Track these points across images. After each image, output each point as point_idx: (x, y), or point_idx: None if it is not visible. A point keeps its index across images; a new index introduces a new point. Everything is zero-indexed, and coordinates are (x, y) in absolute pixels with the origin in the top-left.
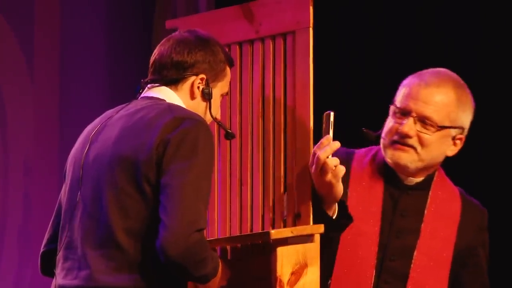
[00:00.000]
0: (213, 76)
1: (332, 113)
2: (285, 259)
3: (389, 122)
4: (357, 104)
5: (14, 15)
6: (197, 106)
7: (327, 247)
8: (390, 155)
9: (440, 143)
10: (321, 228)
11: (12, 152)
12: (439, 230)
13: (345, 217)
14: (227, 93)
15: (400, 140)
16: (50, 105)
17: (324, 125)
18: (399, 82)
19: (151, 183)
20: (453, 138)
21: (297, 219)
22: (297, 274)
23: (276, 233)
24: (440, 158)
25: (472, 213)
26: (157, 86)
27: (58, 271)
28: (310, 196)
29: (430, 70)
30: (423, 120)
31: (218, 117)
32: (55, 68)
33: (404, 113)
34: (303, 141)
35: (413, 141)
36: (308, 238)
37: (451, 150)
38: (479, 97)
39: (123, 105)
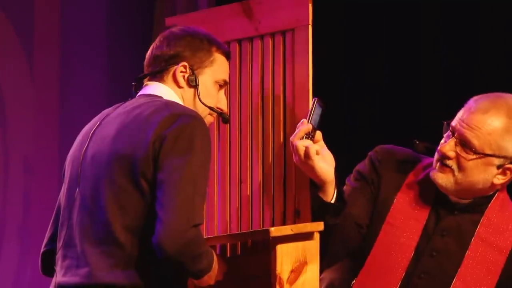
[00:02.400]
0: (198, 63)
1: (315, 99)
2: (285, 257)
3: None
4: (356, 101)
5: (13, 12)
6: (186, 94)
7: (331, 236)
8: (431, 173)
9: (480, 170)
10: (320, 225)
11: (12, 151)
12: (485, 259)
13: (340, 201)
14: (225, 82)
15: (441, 160)
16: (50, 103)
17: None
18: (398, 79)
19: (148, 179)
20: (500, 167)
21: (296, 217)
22: (296, 271)
23: (275, 231)
24: (482, 185)
25: None
26: (153, 83)
27: (58, 269)
28: (309, 193)
29: (492, 94)
30: (463, 144)
31: (215, 104)
32: (55, 66)
33: (452, 132)
34: None
35: (452, 163)
36: (308, 236)
37: (499, 179)
38: None
39: (121, 103)
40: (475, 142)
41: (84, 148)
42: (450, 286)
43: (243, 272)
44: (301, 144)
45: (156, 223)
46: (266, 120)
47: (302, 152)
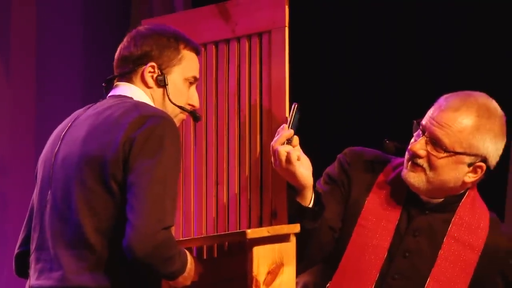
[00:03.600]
0: (166, 62)
1: (295, 105)
2: (261, 259)
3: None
4: (333, 103)
5: None
6: (155, 94)
7: (308, 241)
8: (403, 173)
9: (451, 168)
10: (297, 227)
11: None
12: (458, 258)
13: (318, 205)
14: (195, 78)
15: (412, 159)
16: (26, 105)
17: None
18: (374, 81)
19: (118, 181)
20: (471, 165)
21: (273, 219)
22: (273, 273)
23: (252, 233)
24: (453, 184)
25: (498, 242)
26: (123, 83)
27: (31, 272)
28: (285, 195)
29: (462, 92)
30: (433, 142)
31: (186, 102)
32: (31, 66)
33: (422, 131)
34: None
35: (423, 162)
36: (284, 238)
37: (469, 177)
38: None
39: (91, 104)
40: (446, 140)
41: (55, 150)
42: (424, 286)
43: (220, 274)
44: (283, 149)
45: (126, 226)
46: (242, 122)
47: (283, 158)
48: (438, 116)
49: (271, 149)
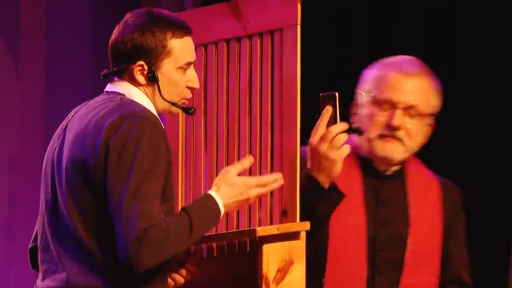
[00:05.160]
0: (155, 57)
1: (335, 94)
2: (271, 257)
3: (370, 114)
4: (345, 102)
5: None
6: (148, 90)
7: (313, 243)
8: (379, 149)
9: (422, 131)
10: (307, 225)
11: None
12: (426, 216)
13: (337, 193)
14: (189, 63)
15: (389, 133)
16: (35, 104)
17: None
18: None
19: (101, 184)
20: (430, 125)
21: (283, 217)
22: (283, 271)
23: (262, 230)
24: (420, 146)
25: (451, 192)
26: (117, 80)
27: (39, 272)
28: (296, 193)
29: (401, 58)
30: (410, 111)
31: (184, 87)
32: (40, 66)
33: (390, 104)
34: (290, 139)
35: (401, 133)
36: (294, 235)
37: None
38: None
39: (87, 101)
40: (421, 105)
41: (54, 150)
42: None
43: (230, 272)
44: (340, 138)
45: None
46: (253, 120)
47: (336, 147)
48: (406, 85)
49: (326, 131)
